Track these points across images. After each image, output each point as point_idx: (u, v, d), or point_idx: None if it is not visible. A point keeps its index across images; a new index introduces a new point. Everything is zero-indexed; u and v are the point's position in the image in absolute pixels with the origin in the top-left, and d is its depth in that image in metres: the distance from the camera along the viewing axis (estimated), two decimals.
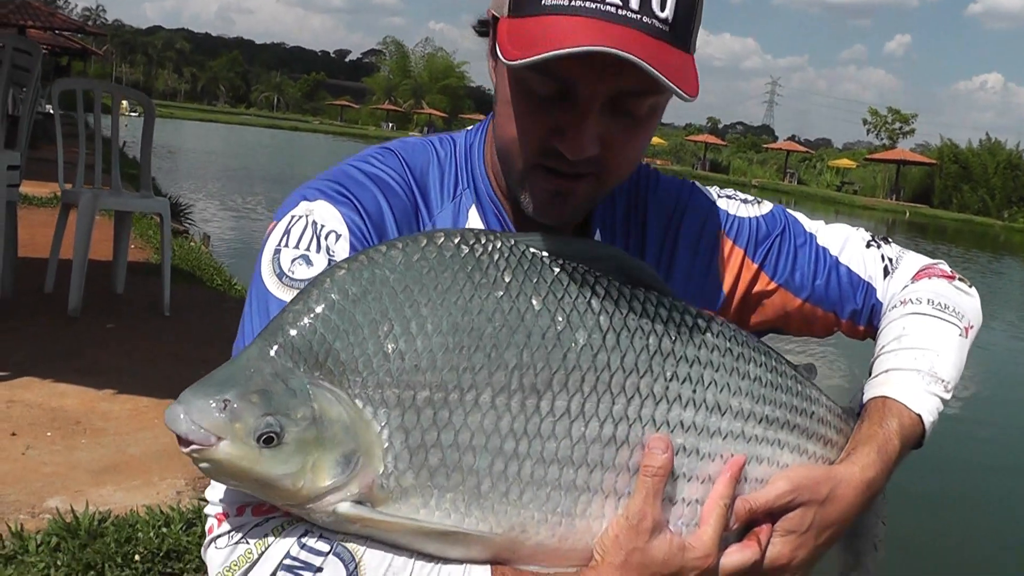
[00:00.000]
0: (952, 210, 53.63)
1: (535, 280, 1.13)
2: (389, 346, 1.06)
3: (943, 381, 1.33)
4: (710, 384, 1.20)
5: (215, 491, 1.17)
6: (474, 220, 1.36)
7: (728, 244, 1.47)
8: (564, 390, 1.10)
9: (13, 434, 3.73)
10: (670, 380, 1.16)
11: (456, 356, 1.08)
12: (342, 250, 1.24)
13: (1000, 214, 52.63)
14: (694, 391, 1.18)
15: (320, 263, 1.22)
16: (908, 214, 49.23)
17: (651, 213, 1.46)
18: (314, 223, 1.25)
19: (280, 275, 1.23)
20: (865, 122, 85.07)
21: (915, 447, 1.32)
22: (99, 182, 6.08)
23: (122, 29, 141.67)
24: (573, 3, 1.10)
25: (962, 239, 37.10)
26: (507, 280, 1.12)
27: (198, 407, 1.02)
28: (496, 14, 1.21)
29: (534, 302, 1.12)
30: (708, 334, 1.22)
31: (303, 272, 1.22)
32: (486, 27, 1.29)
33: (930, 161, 57.73)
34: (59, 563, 2.82)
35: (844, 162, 69.06)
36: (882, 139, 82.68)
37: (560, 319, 1.12)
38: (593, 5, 1.10)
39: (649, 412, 1.14)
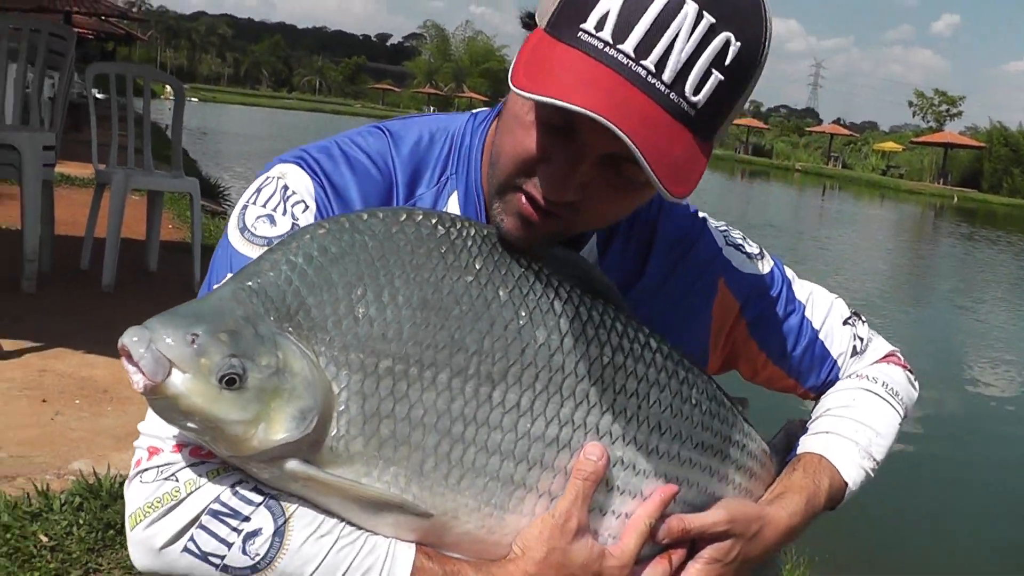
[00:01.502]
0: (1002, 195, 52.56)
1: (503, 272, 1.14)
2: (360, 310, 1.05)
3: (874, 459, 1.39)
4: (654, 403, 1.21)
5: (150, 424, 1.13)
6: (453, 207, 1.32)
7: (726, 293, 1.44)
8: (517, 384, 1.11)
9: (44, 401, 3.88)
10: (618, 392, 1.17)
11: (422, 331, 1.07)
12: (306, 221, 1.21)
13: None
14: (639, 407, 1.19)
15: (283, 225, 1.21)
16: (956, 199, 48.43)
17: (659, 235, 1.41)
18: (284, 187, 1.25)
19: (243, 229, 1.22)
20: (911, 104, 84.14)
21: (830, 508, 1.37)
22: (132, 162, 6.22)
23: (166, 15, 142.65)
24: (607, 49, 1.01)
25: (1013, 224, 36.39)
26: (477, 267, 1.12)
27: (165, 336, 0.98)
28: (538, 21, 1.12)
29: (500, 293, 1.12)
30: (658, 355, 1.23)
31: (265, 230, 1.21)
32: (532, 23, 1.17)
33: (979, 144, 56.66)
34: (81, 521, 2.94)
35: (890, 145, 67.96)
36: (929, 122, 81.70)
37: (523, 313, 1.12)
38: (625, 60, 1.01)
39: (594, 420, 1.15)
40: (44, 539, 2.86)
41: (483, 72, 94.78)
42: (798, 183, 53.05)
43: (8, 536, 2.82)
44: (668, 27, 1.00)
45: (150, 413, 1.11)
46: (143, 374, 0.97)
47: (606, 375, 1.16)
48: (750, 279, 1.46)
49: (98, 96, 8.50)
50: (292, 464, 1.04)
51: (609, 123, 0.97)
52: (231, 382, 0.99)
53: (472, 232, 1.15)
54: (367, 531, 1.09)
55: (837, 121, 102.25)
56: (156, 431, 1.12)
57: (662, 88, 1.01)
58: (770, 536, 1.27)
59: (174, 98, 6.18)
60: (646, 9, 1.00)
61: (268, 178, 1.27)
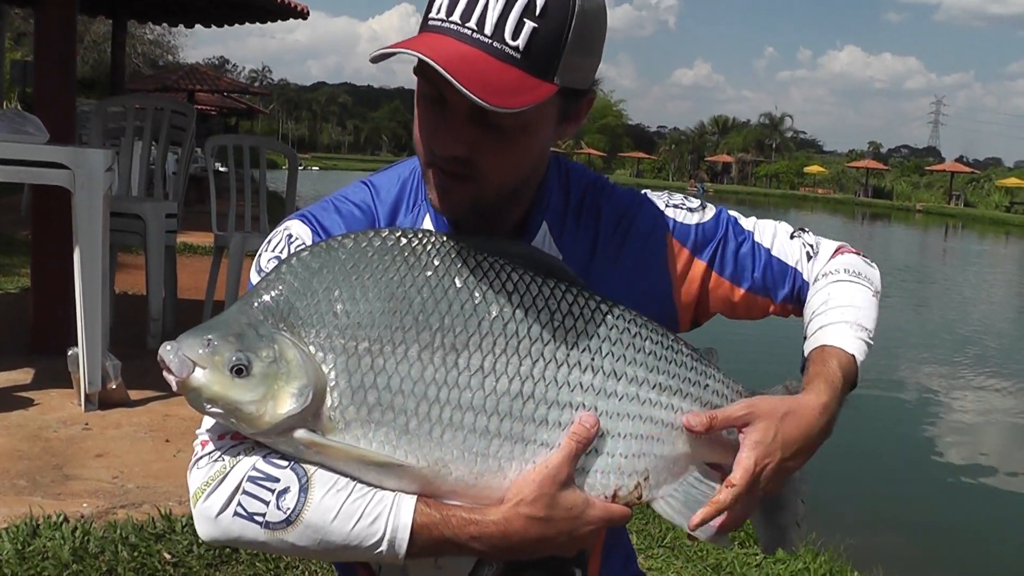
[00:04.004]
0: None
1: (459, 266, 1.35)
2: (337, 307, 1.30)
3: (866, 329, 1.52)
4: (607, 354, 1.38)
5: (204, 425, 1.37)
6: (428, 226, 1.54)
7: (676, 245, 1.62)
8: (479, 350, 1.31)
9: (167, 441, 4.30)
10: (571, 348, 1.36)
11: (390, 317, 1.30)
12: None
13: None
14: (592, 359, 1.37)
15: None
16: None
17: (604, 213, 1.61)
18: (288, 235, 1.51)
19: (259, 271, 1.47)
20: None
21: (851, 388, 1.48)
22: (249, 227, 6.67)
23: (287, 88, 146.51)
24: (443, 24, 1.30)
25: None
26: (436, 264, 1.34)
27: (187, 343, 1.26)
28: None
29: (456, 281, 1.34)
30: (609, 316, 1.41)
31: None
32: None
33: None
34: (199, 542, 3.27)
35: (1013, 181, 65.61)
36: None
37: (477, 295, 1.34)
38: (454, 27, 1.29)
39: (552, 373, 1.34)
40: (167, 556, 3.22)
41: (601, 128, 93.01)
42: (920, 223, 51.98)
43: (136, 554, 3.20)
44: None
45: (204, 419, 1.36)
46: (173, 374, 1.24)
47: (558, 335, 1.36)
48: (695, 227, 1.64)
49: (220, 169, 9.02)
50: (300, 433, 1.27)
51: (424, 57, 1.24)
52: (239, 371, 1.25)
53: (432, 239, 1.38)
54: (377, 487, 1.29)
55: (960, 159, 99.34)
56: (208, 427, 1.37)
57: (484, 39, 1.28)
58: (806, 414, 1.38)
59: (306, 167, 6.59)
60: None
61: (277, 232, 1.54)
